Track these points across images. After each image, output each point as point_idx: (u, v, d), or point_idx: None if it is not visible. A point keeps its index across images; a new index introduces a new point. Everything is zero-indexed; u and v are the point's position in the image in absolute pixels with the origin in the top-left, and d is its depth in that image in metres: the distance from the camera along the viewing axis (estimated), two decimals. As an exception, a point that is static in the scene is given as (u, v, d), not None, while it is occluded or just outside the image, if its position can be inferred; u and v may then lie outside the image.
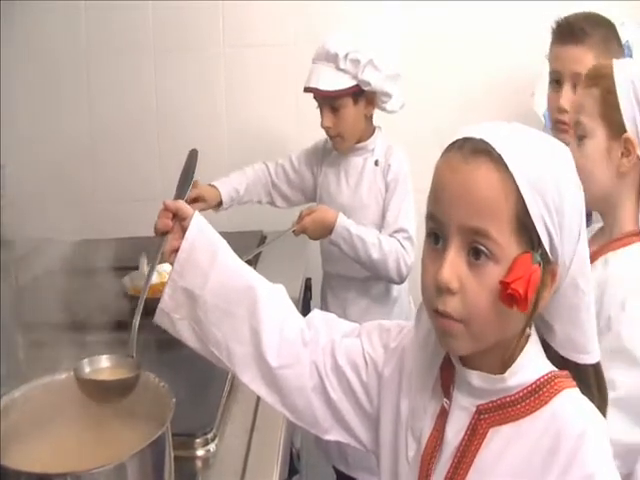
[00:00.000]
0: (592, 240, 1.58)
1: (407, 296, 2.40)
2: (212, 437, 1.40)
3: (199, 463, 1.36)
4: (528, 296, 0.89)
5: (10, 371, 1.52)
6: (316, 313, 1.20)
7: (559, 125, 1.89)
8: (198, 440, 1.38)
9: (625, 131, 1.44)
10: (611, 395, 1.28)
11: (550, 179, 0.91)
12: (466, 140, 0.93)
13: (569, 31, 1.93)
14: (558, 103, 1.91)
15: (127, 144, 2.91)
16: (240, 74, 2.91)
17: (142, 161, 2.90)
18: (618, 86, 1.44)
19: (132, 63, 2.90)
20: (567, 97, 1.90)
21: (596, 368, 1.02)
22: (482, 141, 0.91)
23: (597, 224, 1.61)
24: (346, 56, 2.10)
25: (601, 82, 1.46)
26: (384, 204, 2.23)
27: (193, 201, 2.29)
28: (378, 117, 2.31)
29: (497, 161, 0.90)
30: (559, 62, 1.94)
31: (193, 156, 1.34)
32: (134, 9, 2.84)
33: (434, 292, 0.93)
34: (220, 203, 2.37)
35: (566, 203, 0.93)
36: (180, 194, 1.25)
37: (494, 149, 0.90)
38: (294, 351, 1.11)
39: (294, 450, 1.69)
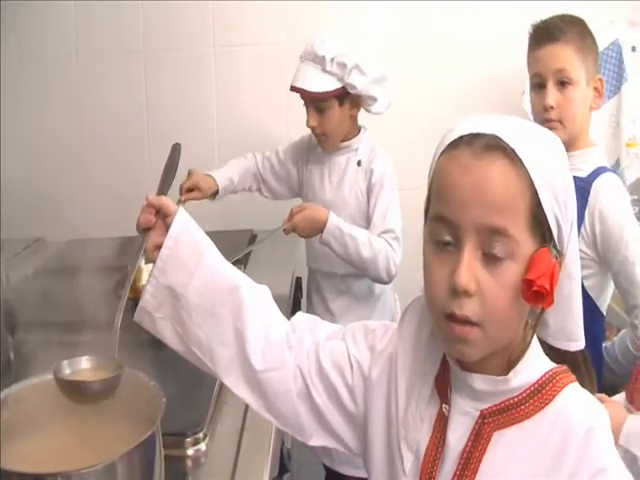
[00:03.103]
0: None
1: (392, 294, 2.43)
2: (202, 436, 1.40)
3: (189, 462, 1.36)
4: (553, 291, 0.87)
5: (1, 371, 1.52)
6: (300, 316, 1.16)
7: (547, 124, 1.90)
8: (188, 439, 1.38)
9: None
10: None
11: (558, 173, 0.92)
12: (474, 136, 0.90)
13: (546, 31, 1.94)
14: (544, 102, 1.92)
15: (117, 144, 2.91)
16: (230, 73, 2.91)
17: (133, 161, 2.90)
18: None
19: (122, 63, 2.90)
20: (552, 95, 1.90)
21: (584, 353, 1.03)
22: (494, 136, 0.89)
23: None
24: (332, 59, 2.12)
25: None
26: (369, 206, 2.25)
27: (188, 190, 2.33)
28: (367, 117, 2.32)
29: (511, 157, 0.88)
30: (540, 64, 1.95)
31: (176, 150, 1.30)
32: (124, 9, 2.84)
33: (447, 296, 0.89)
34: (216, 192, 2.40)
35: (569, 195, 0.93)
36: (163, 189, 1.21)
37: (508, 145, 0.88)
38: (279, 355, 1.08)
39: (284, 449, 1.69)
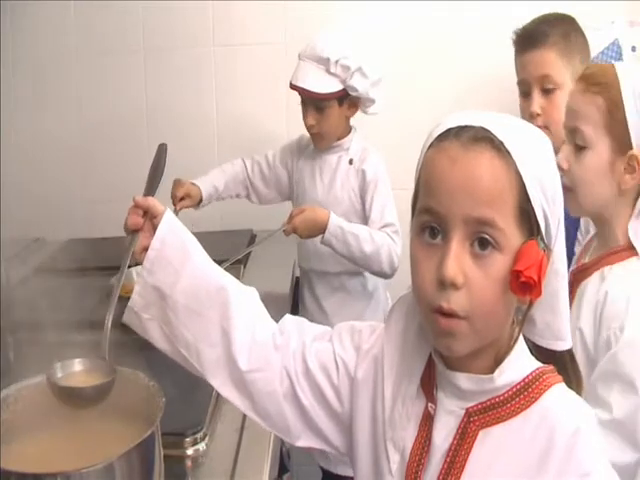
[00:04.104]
0: (586, 248, 1.58)
1: (384, 292, 2.44)
2: (202, 436, 1.41)
3: (189, 462, 1.36)
4: (541, 282, 0.88)
5: (1, 371, 1.52)
6: (287, 318, 1.16)
7: None
8: (188, 439, 1.39)
9: (631, 147, 1.39)
10: (606, 417, 1.29)
11: (546, 169, 0.92)
12: (462, 128, 0.90)
13: (528, 37, 1.93)
14: (529, 110, 1.91)
15: (117, 143, 2.91)
16: (230, 73, 2.91)
17: (132, 160, 2.88)
18: (626, 101, 1.38)
19: (122, 62, 2.89)
20: (537, 102, 1.90)
21: (570, 353, 1.03)
22: (482, 128, 0.89)
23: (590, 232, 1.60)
24: (337, 62, 2.12)
25: (606, 92, 1.39)
26: (365, 204, 2.26)
27: (181, 199, 2.33)
28: (362, 117, 2.33)
29: (499, 148, 0.88)
30: (524, 70, 1.94)
31: (162, 151, 1.29)
32: (124, 8, 2.84)
33: (435, 289, 0.89)
34: (201, 200, 2.40)
35: (557, 193, 0.93)
36: (150, 190, 1.21)
37: (495, 136, 0.89)
38: (265, 355, 1.08)
39: (284, 449, 1.69)
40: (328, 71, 2.15)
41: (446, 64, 2.82)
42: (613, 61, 2.56)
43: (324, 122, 2.22)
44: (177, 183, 2.35)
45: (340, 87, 2.17)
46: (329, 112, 2.21)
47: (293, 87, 2.21)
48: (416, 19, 2.83)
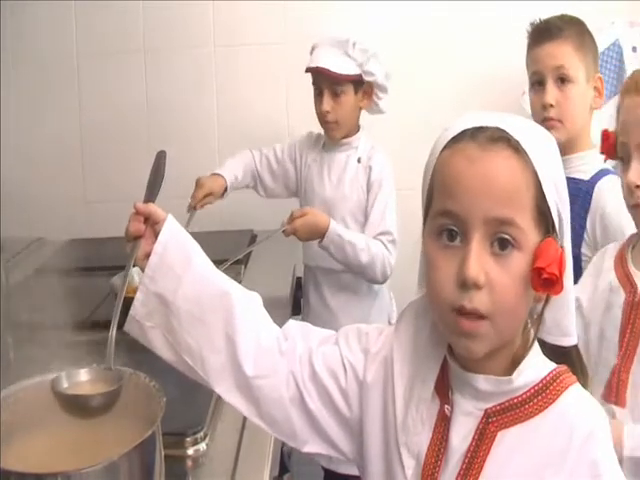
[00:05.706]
0: (621, 256, 1.57)
1: (387, 292, 2.45)
2: (202, 436, 1.40)
3: (189, 462, 1.36)
4: (562, 278, 0.88)
5: (1, 371, 1.51)
6: (291, 323, 1.14)
7: (546, 122, 1.90)
8: (188, 439, 1.38)
9: None
10: None
11: (556, 165, 0.94)
12: (478, 129, 0.91)
13: (545, 29, 1.94)
14: (543, 100, 1.91)
15: (118, 144, 2.91)
16: (231, 73, 2.91)
17: (133, 161, 2.89)
18: None
19: (122, 62, 2.90)
20: (551, 93, 1.90)
21: (576, 348, 1.03)
22: (498, 129, 0.90)
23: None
24: (355, 44, 2.17)
25: None
26: (367, 203, 2.28)
27: (203, 199, 2.33)
28: (364, 116, 2.35)
29: (516, 148, 0.89)
30: (539, 62, 1.95)
31: (161, 158, 1.28)
32: (124, 8, 2.84)
33: (456, 290, 0.89)
34: (225, 190, 2.40)
35: (565, 190, 0.95)
36: (150, 198, 1.19)
37: (512, 136, 0.90)
38: (271, 360, 1.07)
39: (285, 449, 1.69)
40: (346, 53, 2.19)
41: (446, 64, 2.82)
42: (614, 61, 2.56)
43: (339, 108, 2.24)
44: (197, 184, 2.35)
45: (357, 71, 2.21)
46: (345, 98, 2.23)
47: (311, 70, 2.23)
48: (416, 19, 2.83)
